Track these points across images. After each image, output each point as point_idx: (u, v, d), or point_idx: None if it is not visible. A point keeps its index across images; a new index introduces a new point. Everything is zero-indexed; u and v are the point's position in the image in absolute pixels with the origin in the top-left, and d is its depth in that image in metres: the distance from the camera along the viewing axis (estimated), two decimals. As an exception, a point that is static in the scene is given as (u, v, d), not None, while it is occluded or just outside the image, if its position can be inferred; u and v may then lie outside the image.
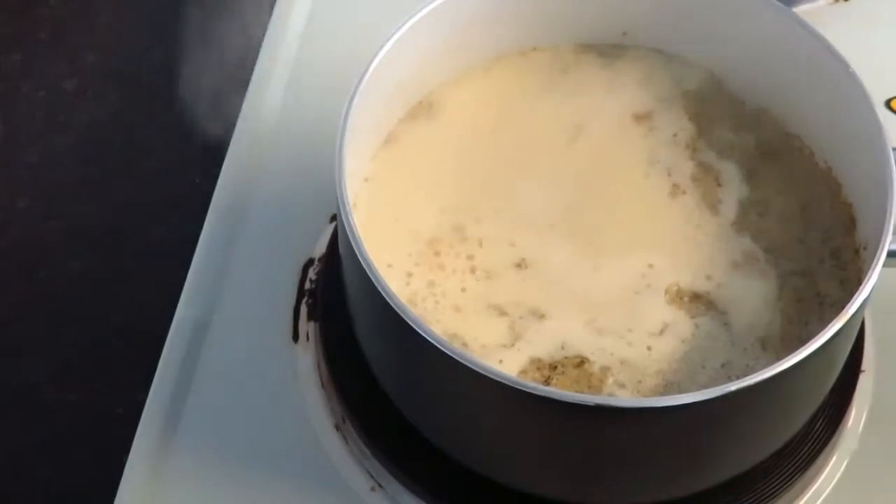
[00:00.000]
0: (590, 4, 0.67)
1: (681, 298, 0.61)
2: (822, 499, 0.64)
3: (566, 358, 0.59)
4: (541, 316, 0.60)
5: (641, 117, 0.67)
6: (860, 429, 0.66)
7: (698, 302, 0.61)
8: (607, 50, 0.69)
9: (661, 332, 0.60)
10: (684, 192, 0.64)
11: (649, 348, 0.59)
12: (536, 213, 0.64)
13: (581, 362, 0.59)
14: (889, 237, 0.56)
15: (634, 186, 0.64)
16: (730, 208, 0.64)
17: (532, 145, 0.66)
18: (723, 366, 0.59)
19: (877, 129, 0.59)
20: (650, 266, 0.62)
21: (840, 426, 0.64)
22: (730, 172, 0.65)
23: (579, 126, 0.66)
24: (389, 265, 0.62)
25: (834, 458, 0.65)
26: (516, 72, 0.68)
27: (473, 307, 0.61)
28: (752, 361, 0.59)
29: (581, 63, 0.68)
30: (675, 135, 0.66)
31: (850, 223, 0.62)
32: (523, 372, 0.59)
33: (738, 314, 0.61)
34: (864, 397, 0.66)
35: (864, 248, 0.61)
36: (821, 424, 0.64)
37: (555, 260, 0.62)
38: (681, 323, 0.60)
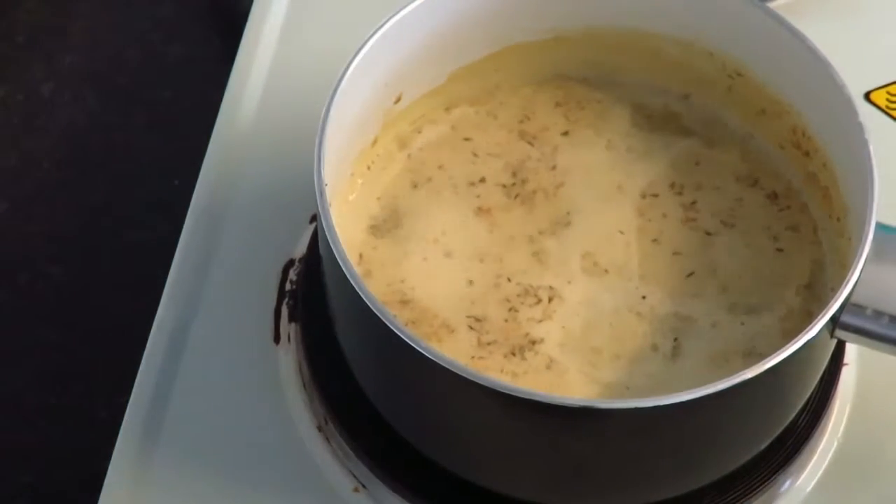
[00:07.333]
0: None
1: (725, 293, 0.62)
2: (806, 492, 0.64)
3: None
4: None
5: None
6: (843, 421, 0.66)
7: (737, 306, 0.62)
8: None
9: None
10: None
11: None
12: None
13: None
14: (869, 240, 0.55)
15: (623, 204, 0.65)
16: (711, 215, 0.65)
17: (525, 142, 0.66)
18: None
19: (858, 127, 0.58)
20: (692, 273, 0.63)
21: (823, 419, 0.64)
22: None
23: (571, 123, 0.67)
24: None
25: (818, 451, 0.65)
26: (505, 69, 0.68)
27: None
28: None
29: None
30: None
31: (843, 216, 0.62)
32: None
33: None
34: (848, 390, 0.66)
35: (849, 239, 0.61)
36: (804, 418, 0.64)
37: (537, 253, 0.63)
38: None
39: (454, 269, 0.62)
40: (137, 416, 0.65)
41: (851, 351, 0.66)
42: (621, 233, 0.63)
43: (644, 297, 0.61)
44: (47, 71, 0.85)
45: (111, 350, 0.74)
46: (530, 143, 0.66)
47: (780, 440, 0.62)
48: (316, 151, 0.57)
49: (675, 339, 0.60)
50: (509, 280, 0.62)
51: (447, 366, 0.52)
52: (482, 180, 0.65)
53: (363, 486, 0.64)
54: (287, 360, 0.67)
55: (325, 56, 0.65)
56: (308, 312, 0.66)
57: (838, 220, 0.61)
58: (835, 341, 0.58)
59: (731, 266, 0.63)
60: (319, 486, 0.64)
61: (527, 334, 0.60)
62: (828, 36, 0.63)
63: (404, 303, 0.61)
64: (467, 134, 0.67)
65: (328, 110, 0.58)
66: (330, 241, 0.55)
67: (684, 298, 0.62)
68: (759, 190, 0.65)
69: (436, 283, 0.62)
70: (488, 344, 0.60)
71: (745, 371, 0.53)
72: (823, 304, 0.55)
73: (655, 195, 0.64)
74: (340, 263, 0.55)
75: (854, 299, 0.56)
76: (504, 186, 0.65)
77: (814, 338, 0.54)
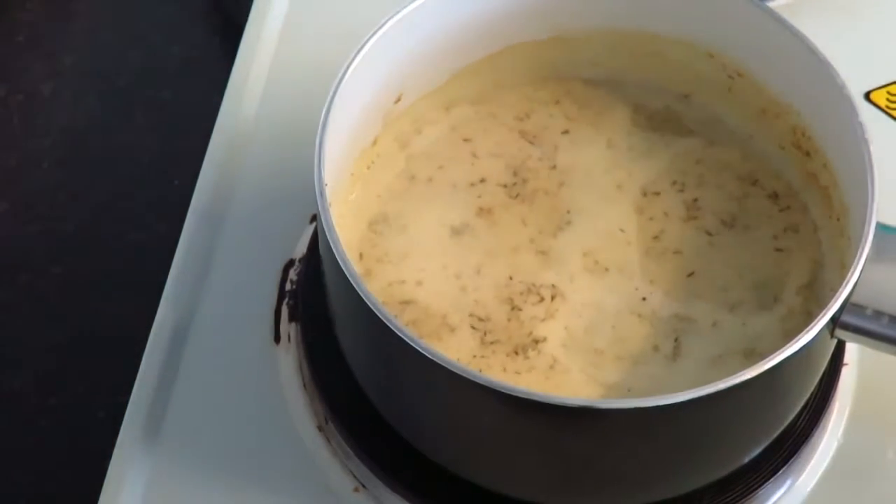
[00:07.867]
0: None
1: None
2: (806, 492, 0.64)
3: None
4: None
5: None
6: (843, 422, 0.66)
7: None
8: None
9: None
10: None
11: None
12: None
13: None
14: (869, 240, 0.55)
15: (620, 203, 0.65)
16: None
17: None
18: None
19: (858, 127, 0.58)
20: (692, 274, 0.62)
21: (823, 419, 0.64)
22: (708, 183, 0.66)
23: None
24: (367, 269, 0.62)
25: (818, 451, 0.65)
26: (506, 69, 0.68)
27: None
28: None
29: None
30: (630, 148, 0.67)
31: (843, 216, 0.62)
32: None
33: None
34: (848, 390, 0.66)
35: (849, 239, 0.61)
36: (804, 418, 0.64)
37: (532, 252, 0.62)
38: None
39: (455, 270, 0.62)
40: (137, 416, 0.65)
41: (851, 351, 0.66)
42: (622, 231, 0.63)
43: (645, 299, 0.61)
44: (47, 71, 0.85)
45: (111, 350, 0.73)
46: (531, 143, 0.66)
47: (779, 440, 0.62)
48: (316, 151, 0.57)
49: (676, 340, 0.60)
50: (511, 279, 0.62)
51: (447, 365, 0.52)
52: (482, 180, 0.65)
53: (363, 486, 0.64)
54: (287, 360, 0.67)
55: (325, 56, 0.65)
56: (308, 312, 0.66)
57: (838, 220, 0.61)
58: (835, 341, 0.58)
59: (731, 266, 0.63)
60: (319, 486, 0.64)
61: (530, 333, 0.60)
62: (828, 36, 0.63)
63: (405, 303, 0.61)
64: (467, 134, 0.67)
65: (328, 110, 0.58)
66: (330, 241, 0.55)
67: (685, 298, 0.62)
68: (759, 190, 0.65)
69: (436, 282, 0.62)
70: (491, 343, 0.60)
71: (745, 371, 0.53)
72: (823, 304, 0.55)
73: (657, 193, 0.64)
74: (340, 263, 0.55)
75: (854, 299, 0.56)
76: (505, 186, 0.65)
77: (814, 338, 0.54)
